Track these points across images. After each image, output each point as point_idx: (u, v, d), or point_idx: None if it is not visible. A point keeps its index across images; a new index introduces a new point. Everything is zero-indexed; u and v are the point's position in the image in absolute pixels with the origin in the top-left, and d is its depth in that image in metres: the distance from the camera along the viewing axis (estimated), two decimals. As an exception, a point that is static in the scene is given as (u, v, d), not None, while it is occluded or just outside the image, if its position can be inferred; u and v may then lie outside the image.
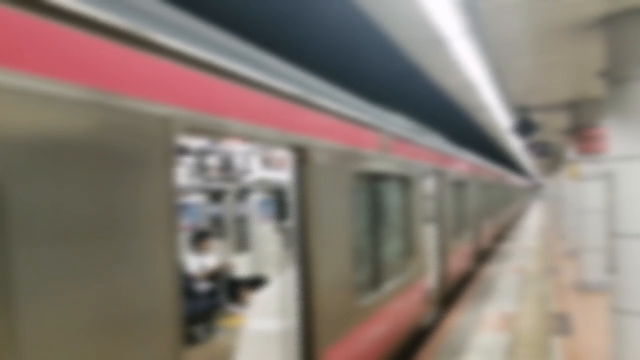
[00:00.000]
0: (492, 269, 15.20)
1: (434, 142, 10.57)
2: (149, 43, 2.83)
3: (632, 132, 6.05)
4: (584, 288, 12.11)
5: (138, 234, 2.65)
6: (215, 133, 3.42)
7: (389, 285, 6.89)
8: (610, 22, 6.29)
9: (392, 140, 7.24)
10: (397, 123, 8.10)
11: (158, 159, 2.81)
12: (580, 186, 12.49)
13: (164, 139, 2.86)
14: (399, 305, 7.27)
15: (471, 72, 8.68)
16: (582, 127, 12.02)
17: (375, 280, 6.60)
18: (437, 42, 7.04)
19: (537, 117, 13.68)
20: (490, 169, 22.05)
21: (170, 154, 2.90)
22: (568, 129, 12.94)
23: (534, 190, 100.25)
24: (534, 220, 36.54)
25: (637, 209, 6.02)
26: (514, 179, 40.70)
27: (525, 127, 12.30)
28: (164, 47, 2.94)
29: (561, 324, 9.11)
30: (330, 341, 4.88)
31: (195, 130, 3.19)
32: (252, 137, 3.80)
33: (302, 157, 4.59)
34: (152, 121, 2.78)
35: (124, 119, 2.58)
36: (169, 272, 2.86)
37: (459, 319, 9.56)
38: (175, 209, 2.95)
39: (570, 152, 13.67)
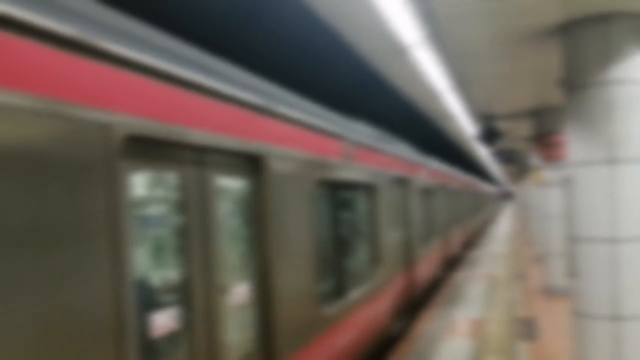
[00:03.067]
0: (460, 276, 15.31)
1: (400, 150, 10.62)
2: (91, 48, 2.73)
3: (588, 138, 6.16)
4: (549, 293, 12.27)
5: (66, 247, 2.48)
6: (164, 141, 3.30)
7: (354, 294, 6.87)
8: (566, 30, 6.41)
9: (355, 149, 7.24)
10: (361, 131, 8.11)
11: (96, 168, 2.68)
12: (544, 192, 12.68)
13: (105, 147, 2.74)
14: (365, 313, 7.25)
15: (434, 80, 8.75)
16: (545, 134, 12.23)
17: (339, 289, 6.58)
18: (398, 51, 7.08)
19: (502, 125, 13.88)
20: (458, 177, 22.26)
21: (114, 163, 2.78)
22: (531, 136, 13.15)
23: (503, 197, 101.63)
24: (503, 227, 36.97)
25: (594, 213, 6.12)
26: (483, 186, 41.16)
27: (489, 135, 12.47)
28: (110, 53, 2.85)
29: (527, 329, 9.20)
30: (292, 351, 4.84)
31: (141, 138, 3.08)
32: (203, 145, 3.69)
33: (258, 165, 4.52)
34: (89, 128, 2.65)
35: (53, 125, 2.46)
36: (114, 288, 2.72)
37: (427, 326, 9.59)
38: (124, 221, 2.83)
39: (535, 159, 13.88)
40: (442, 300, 11.96)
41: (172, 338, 3.42)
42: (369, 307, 7.47)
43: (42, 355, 2.34)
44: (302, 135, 5.47)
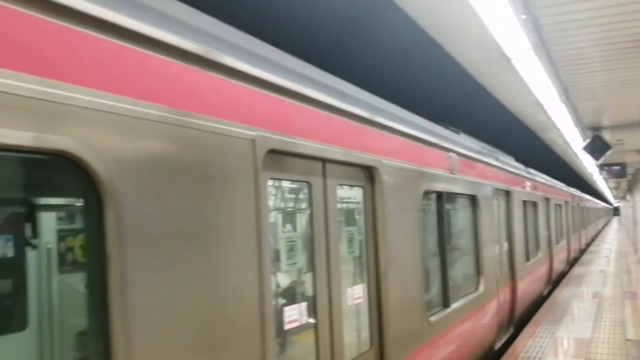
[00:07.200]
0: (565, 293, 14.71)
1: (502, 162, 10.42)
2: (235, 71, 3.08)
3: None
4: (664, 314, 11.56)
5: (225, 245, 2.87)
6: (294, 154, 3.66)
7: (459, 305, 6.89)
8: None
9: (460, 161, 7.25)
10: (464, 143, 8.07)
11: (246, 177, 3.07)
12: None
13: (252, 159, 3.13)
14: (468, 325, 7.19)
15: (539, 90, 8.54)
16: (658, 145, 11.59)
17: (445, 299, 6.65)
18: (502, 61, 6.99)
19: (610, 136, 13.28)
20: (562, 190, 21.42)
21: (258, 173, 3.15)
22: (644, 148, 12.51)
23: (612, 212, 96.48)
24: (610, 244, 35.10)
25: None
26: (588, 201, 39.28)
27: (597, 147, 11.96)
28: (250, 74, 3.19)
29: (638, 351, 8.72)
30: (401, 356, 4.99)
31: (278, 151, 3.43)
32: (328, 157, 4.02)
33: (372, 176, 4.78)
34: (242, 142, 3.06)
35: (220, 141, 2.89)
36: (256, 285, 3.07)
37: (530, 342, 9.30)
38: (265, 224, 3.19)
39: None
40: (546, 317, 11.54)
41: (300, 330, 3.82)
42: (472, 319, 7.39)
43: (211, 336, 2.76)
44: (411, 147, 5.66)
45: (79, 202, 2.54)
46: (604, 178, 25.76)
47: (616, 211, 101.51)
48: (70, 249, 4.53)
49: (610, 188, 44.20)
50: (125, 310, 2.29)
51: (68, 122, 2.13)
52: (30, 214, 3.66)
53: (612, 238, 42.31)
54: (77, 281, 3.75)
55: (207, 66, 2.88)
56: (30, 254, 4.10)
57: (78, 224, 2.88)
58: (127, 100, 2.39)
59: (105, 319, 2.26)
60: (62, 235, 4.56)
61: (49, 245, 4.08)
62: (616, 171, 18.29)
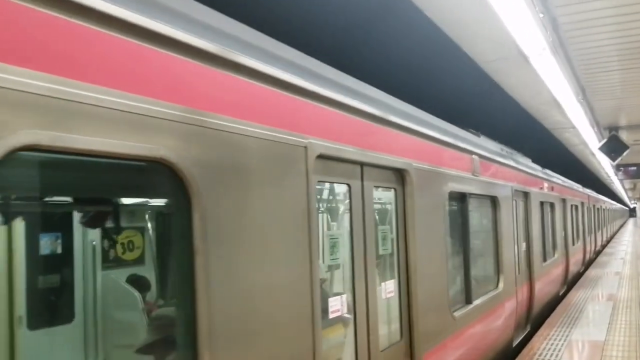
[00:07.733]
0: (580, 295, 14.59)
1: (520, 163, 10.38)
2: (288, 84, 3.39)
3: None
4: (680, 317, 11.42)
5: (284, 240, 3.27)
6: (337, 159, 3.97)
7: (479, 302, 7.03)
8: None
9: (481, 163, 7.37)
10: (485, 146, 8.11)
11: (300, 179, 3.45)
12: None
13: (304, 163, 3.51)
14: (488, 322, 7.33)
15: (556, 89, 8.46)
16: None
17: (466, 296, 6.83)
18: (519, 60, 6.93)
19: (627, 136, 13.15)
20: (578, 191, 21.25)
21: (309, 176, 3.52)
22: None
23: (628, 213, 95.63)
24: (626, 245, 34.77)
25: None
26: (605, 202, 38.95)
27: (614, 147, 11.84)
28: (301, 87, 3.51)
29: (655, 354, 8.62)
30: (428, 348, 5.22)
31: (324, 156, 3.75)
32: (365, 161, 4.34)
33: (403, 178, 5.04)
34: (297, 149, 3.45)
35: (282, 149, 3.28)
36: (308, 276, 3.42)
37: (544, 345, 9.23)
38: (315, 223, 3.55)
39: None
40: (561, 319, 11.45)
41: (341, 320, 4.18)
42: (492, 316, 7.51)
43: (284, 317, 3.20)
44: (438, 150, 5.89)
45: (173, 203, 2.91)
46: (619, 179, 25.54)
47: (632, 212, 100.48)
48: (166, 242, 5.37)
49: (626, 189, 43.84)
50: (208, 295, 2.64)
51: (164, 133, 2.49)
52: (133, 212, 4.58)
53: (628, 240, 41.86)
54: (170, 271, 4.42)
55: (269, 82, 3.22)
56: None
57: (172, 222, 3.30)
58: (211, 115, 2.76)
59: (193, 302, 2.61)
60: (159, 231, 5.44)
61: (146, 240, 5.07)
62: (632, 172, 18.12)
